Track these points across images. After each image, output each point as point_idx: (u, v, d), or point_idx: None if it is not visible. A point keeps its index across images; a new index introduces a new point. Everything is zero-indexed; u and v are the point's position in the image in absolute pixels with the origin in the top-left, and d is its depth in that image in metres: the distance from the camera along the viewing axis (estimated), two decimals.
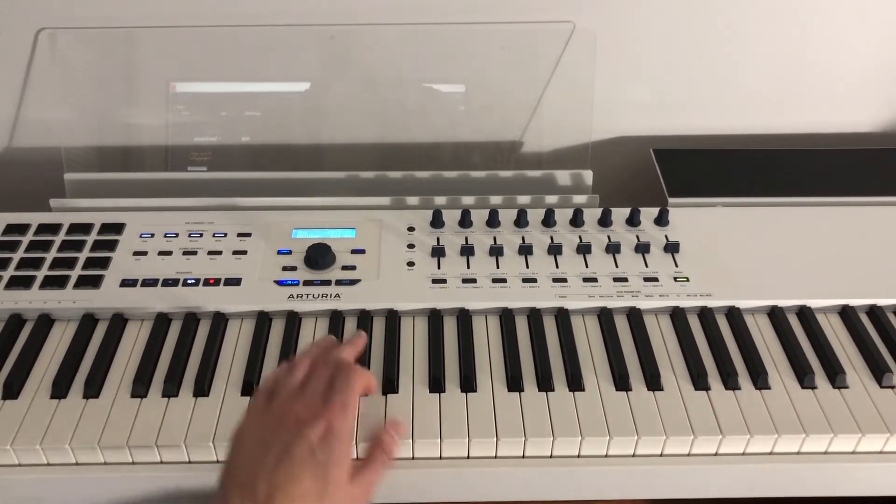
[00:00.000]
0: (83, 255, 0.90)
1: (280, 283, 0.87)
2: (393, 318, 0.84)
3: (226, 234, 0.93)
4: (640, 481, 0.75)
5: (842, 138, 1.13)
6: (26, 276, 0.87)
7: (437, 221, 0.94)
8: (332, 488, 0.63)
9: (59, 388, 0.77)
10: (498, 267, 0.89)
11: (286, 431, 0.64)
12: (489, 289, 0.86)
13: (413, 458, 0.73)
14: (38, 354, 0.81)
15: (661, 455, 0.74)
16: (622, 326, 0.84)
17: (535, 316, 0.84)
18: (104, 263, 0.89)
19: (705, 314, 0.85)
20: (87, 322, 0.84)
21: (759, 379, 0.78)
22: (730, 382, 0.78)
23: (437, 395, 0.77)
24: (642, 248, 0.91)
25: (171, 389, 0.77)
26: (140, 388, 0.77)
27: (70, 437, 0.72)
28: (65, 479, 0.73)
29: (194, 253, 0.91)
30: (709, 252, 0.91)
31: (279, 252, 0.91)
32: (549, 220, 0.94)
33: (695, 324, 0.85)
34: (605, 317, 0.84)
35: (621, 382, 0.78)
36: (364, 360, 0.80)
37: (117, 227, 0.94)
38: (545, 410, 0.75)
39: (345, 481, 0.65)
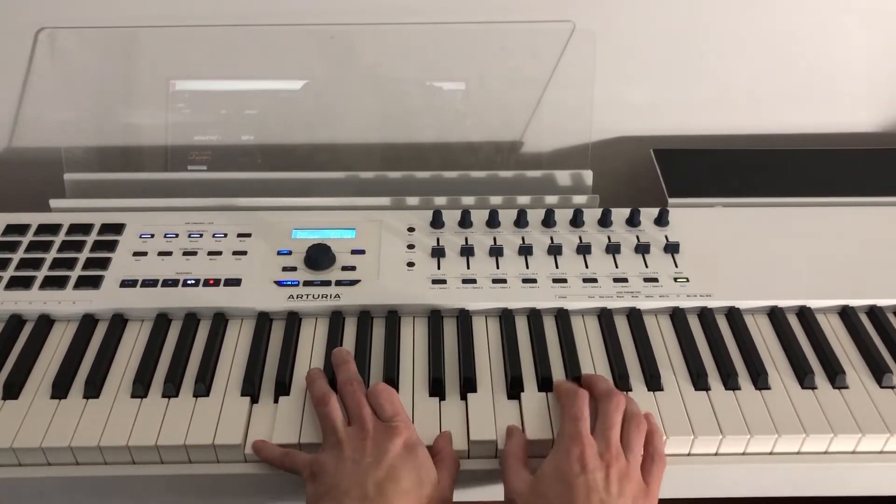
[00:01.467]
0: (83, 256, 0.90)
1: (280, 283, 0.87)
2: (393, 319, 0.84)
3: (226, 235, 0.93)
4: None
5: (842, 138, 1.13)
6: (26, 277, 0.87)
7: (437, 222, 0.94)
8: (428, 487, 0.68)
9: (59, 388, 0.77)
10: (498, 267, 0.89)
11: (371, 450, 0.68)
12: (489, 289, 0.86)
13: None
14: (38, 354, 0.81)
15: None
16: (622, 327, 0.84)
17: (535, 316, 0.84)
18: (104, 264, 0.89)
19: (705, 314, 0.85)
20: (87, 322, 0.84)
21: (759, 379, 0.78)
22: (730, 382, 0.78)
23: (437, 395, 0.77)
24: (642, 249, 0.91)
25: (171, 390, 0.77)
26: (140, 388, 0.77)
27: (70, 437, 0.72)
28: (65, 478, 0.73)
29: (194, 253, 0.91)
30: (709, 252, 0.91)
31: (279, 252, 0.91)
32: (549, 221, 0.94)
33: (695, 324, 0.85)
34: (605, 317, 0.85)
35: (621, 383, 0.78)
36: (364, 360, 0.80)
37: (117, 228, 0.94)
38: (545, 411, 0.75)
39: (436, 479, 0.68)
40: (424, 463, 0.68)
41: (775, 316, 0.85)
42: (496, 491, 0.75)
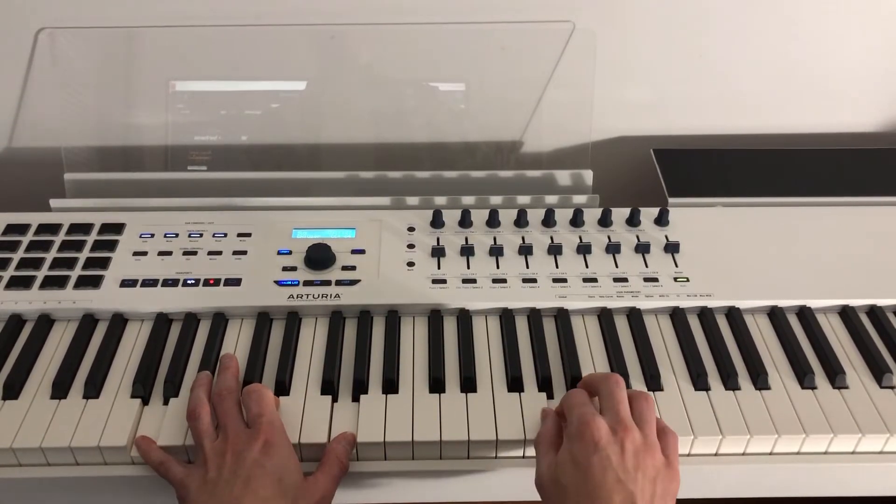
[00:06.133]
0: (83, 255, 0.90)
1: (280, 283, 0.87)
2: (393, 319, 0.84)
3: (226, 234, 0.93)
4: None
5: (842, 138, 1.13)
6: (26, 276, 0.87)
7: (437, 221, 0.94)
8: (292, 490, 0.67)
9: (59, 388, 0.77)
10: (498, 267, 0.89)
11: (230, 463, 0.67)
12: (489, 289, 0.86)
13: (413, 459, 0.73)
14: (38, 354, 0.81)
15: None
16: (622, 327, 0.84)
17: (535, 316, 0.84)
18: (104, 263, 0.89)
19: (705, 314, 0.85)
20: (87, 322, 0.84)
21: (759, 379, 0.78)
22: (730, 382, 0.78)
23: (438, 395, 0.77)
24: (642, 249, 0.91)
25: (171, 390, 0.77)
26: (140, 388, 0.77)
27: (70, 437, 0.72)
28: (65, 479, 0.73)
29: (194, 253, 0.91)
30: (709, 252, 0.91)
31: (279, 252, 0.91)
32: (549, 220, 0.94)
33: (695, 324, 0.85)
34: (605, 317, 0.85)
35: None
36: (364, 360, 0.79)
37: (117, 227, 0.94)
38: None
39: (301, 483, 0.68)
40: (286, 464, 0.67)
41: (775, 316, 0.85)
42: (496, 491, 0.75)
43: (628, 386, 0.77)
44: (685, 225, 0.95)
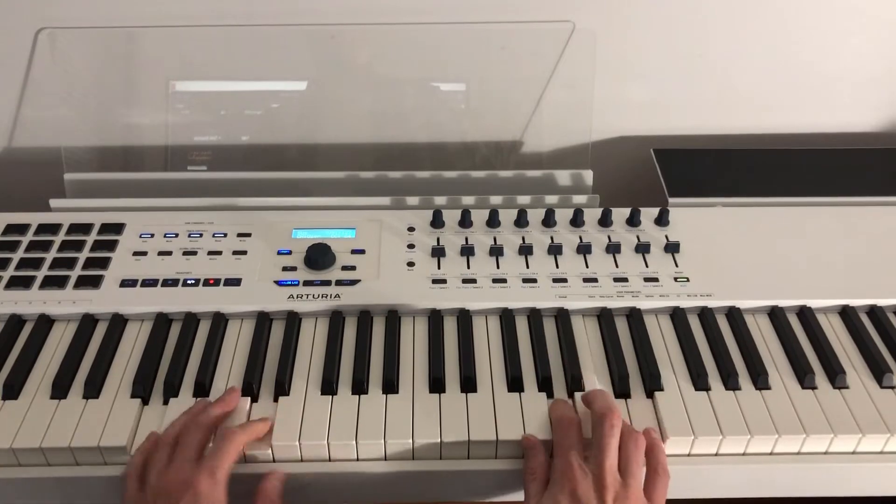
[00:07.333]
0: (83, 256, 0.90)
1: (280, 283, 0.87)
2: (393, 319, 0.84)
3: (226, 234, 0.93)
4: None
5: (842, 138, 1.13)
6: (26, 277, 0.87)
7: (437, 221, 0.94)
8: None
9: (59, 389, 0.77)
10: (498, 267, 0.89)
11: None
12: (489, 289, 0.86)
13: (413, 459, 0.73)
14: (38, 355, 0.81)
15: None
16: (622, 327, 0.84)
17: (535, 316, 0.84)
18: (104, 263, 0.89)
19: (705, 314, 0.85)
20: (87, 322, 0.84)
21: (760, 379, 0.78)
22: (730, 382, 0.78)
23: (438, 395, 0.77)
24: (642, 249, 0.91)
25: (170, 390, 0.77)
26: (140, 388, 0.77)
27: (70, 437, 0.72)
28: (65, 479, 0.73)
29: (194, 253, 0.91)
30: (709, 252, 0.91)
31: (279, 252, 0.91)
32: (549, 221, 0.94)
33: (695, 324, 0.85)
34: (605, 317, 0.84)
35: (621, 383, 0.78)
36: (364, 360, 0.79)
37: (117, 227, 0.94)
38: (545, 411, 0.75)
39: None
40: None
41: (775, 316, 0.85)
42: (496, 491, 0.75)
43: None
44: (685, 225, 0.95)
